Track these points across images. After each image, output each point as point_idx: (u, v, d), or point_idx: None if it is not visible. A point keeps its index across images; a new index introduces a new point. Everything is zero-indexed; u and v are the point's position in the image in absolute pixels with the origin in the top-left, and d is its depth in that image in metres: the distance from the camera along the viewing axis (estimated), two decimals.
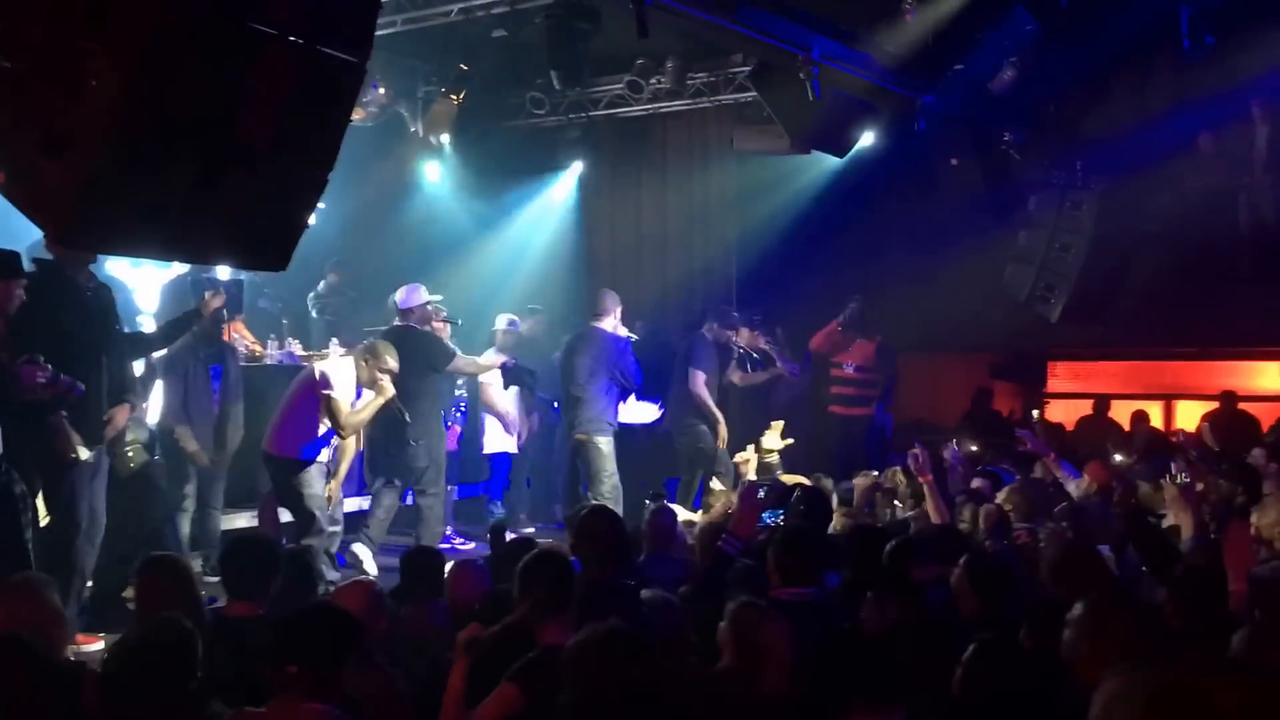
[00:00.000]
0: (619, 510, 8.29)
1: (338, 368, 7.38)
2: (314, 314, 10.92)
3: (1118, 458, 8.58)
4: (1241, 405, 10.28)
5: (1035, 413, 10.89)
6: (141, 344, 7.23)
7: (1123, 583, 5.05)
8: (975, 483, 7.45)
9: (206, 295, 7.52)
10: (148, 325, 8.66)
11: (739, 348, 10.07)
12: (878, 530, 5.83)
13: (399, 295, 8.62)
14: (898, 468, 7.69)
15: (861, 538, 5.34)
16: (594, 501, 8.04)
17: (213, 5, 3.43)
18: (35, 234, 5.74)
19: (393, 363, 7.32)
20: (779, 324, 11.25)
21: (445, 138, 11.53)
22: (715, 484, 8.19)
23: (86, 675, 3.63)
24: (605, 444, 8.34)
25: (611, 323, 8.51)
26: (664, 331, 11.50)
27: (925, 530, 6.14)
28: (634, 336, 8.90)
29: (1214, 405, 10.39)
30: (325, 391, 7.20)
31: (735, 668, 3.69)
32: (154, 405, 7.86)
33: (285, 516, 8.39)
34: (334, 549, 7.60)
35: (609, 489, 8.31)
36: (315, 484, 7.31)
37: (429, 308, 8.67)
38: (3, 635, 3.51)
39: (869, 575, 4.80)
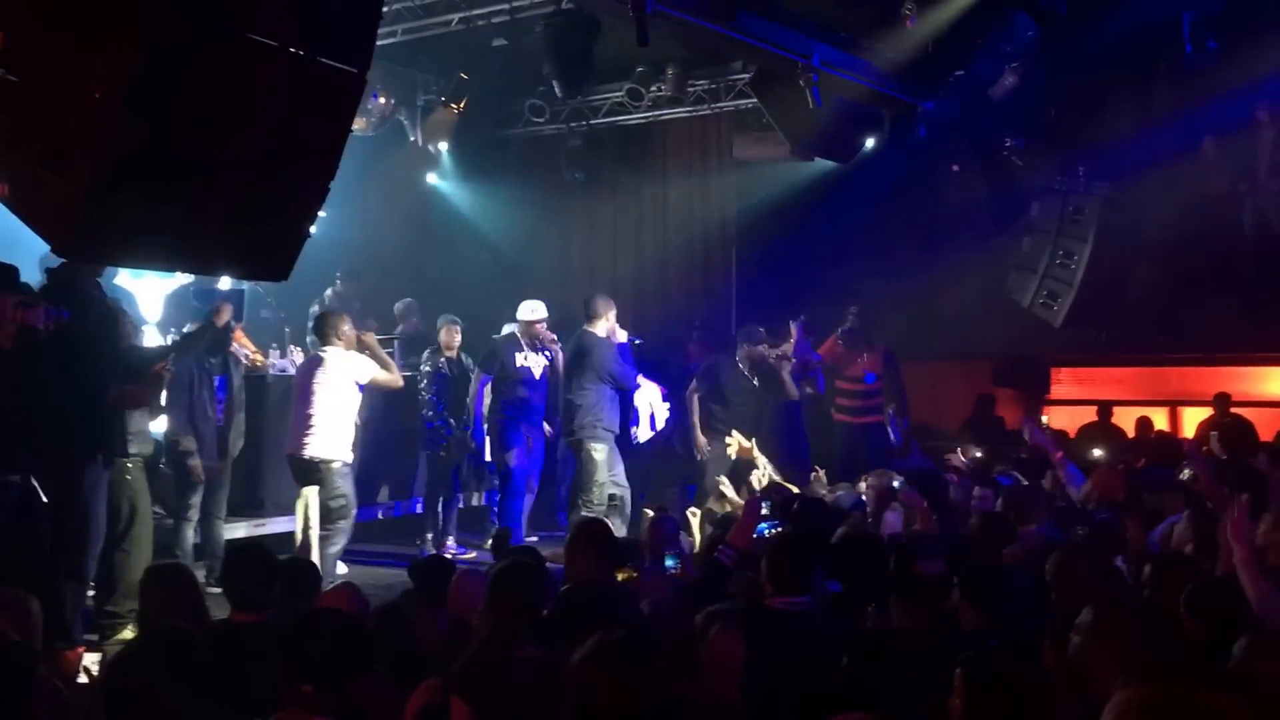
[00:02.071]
0: (621, 518, 8.31)
1: (348, 357, 7.66)
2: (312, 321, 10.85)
3: (1096, 452, 8.52)
4: (1247, 411, 10.23)
5: (1045, 419, 10.82)
6: (147, 359, 7.24)
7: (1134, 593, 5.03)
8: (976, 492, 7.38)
9: (219, 306, 7.67)
10: (151, 335, 8.68)
11: (783, 358, 9.85)
12: (873, 538, 5.78)
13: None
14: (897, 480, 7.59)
15: (857, 546, 5.30)
16: (584, 509, 8.01)
17: (213, 18, 3.43)
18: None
19: (346, 326, 7.78)
20: (781, 330, 11.27)
21: (444, 146, 11.54)
22: (727, 489, 8.08)
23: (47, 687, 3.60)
24: (599, 450, 8.23)
25: (604, 326, 8.43)
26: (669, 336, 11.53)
27: (926, 533, 6.09)
28: (634, 340, 8.82)
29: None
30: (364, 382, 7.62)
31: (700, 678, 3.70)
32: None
33: (285, 524, 8.48)
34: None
35: (600, 496, 8.20)
36: (344, 483, 7.57)
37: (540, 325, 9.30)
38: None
39: (865, 584, 4.76)
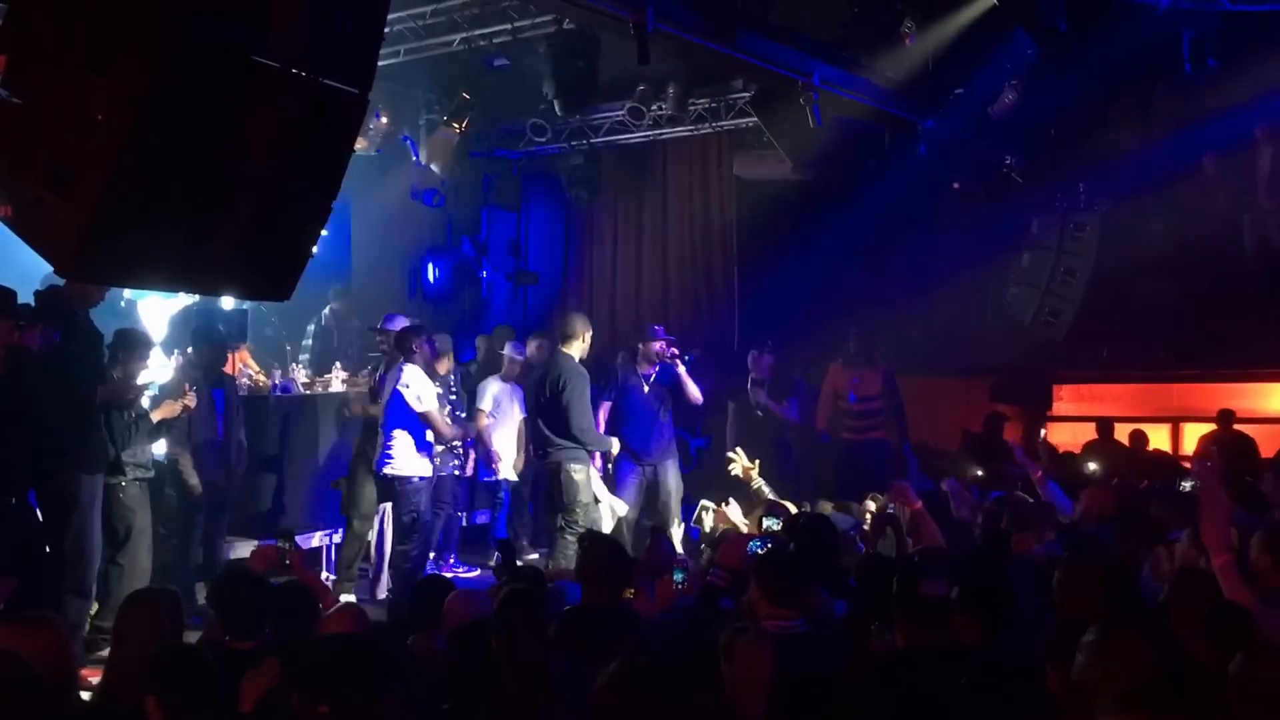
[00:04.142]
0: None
1: (419, 380, 7.82)
2: (308, 340, 10.89)
3: (1091, 466, 8.47)
4: (1248, 428, 10.21)
5: (1043, 433, 10.80)
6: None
7: (1144, 603, 5.02)
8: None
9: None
10: (155, 356, 8.71)
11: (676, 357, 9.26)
12: (882, 559, 5.76)
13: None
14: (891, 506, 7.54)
15: (867, 568, 5.29)
16: (569, 529, 7.98)
17: (216, 39, 3.45)
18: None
19: (425, 345, 7.98)
20: (782, 349, 11.31)
21: (446, 165, 11.57)
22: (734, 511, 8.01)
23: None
24: (579, 470, 8.17)
25: (579, 348, 8.32)
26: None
27: (930, 549, 6.06)
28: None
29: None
30: (421, 408, 7.75)
31: (726, 694, 3.70)
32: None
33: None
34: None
35: (585, 516, 8.12)
36: (426, 501, 7.90)
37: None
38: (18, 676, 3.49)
39: (875, 605, 4.73)
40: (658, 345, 8.93)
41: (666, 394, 9.05)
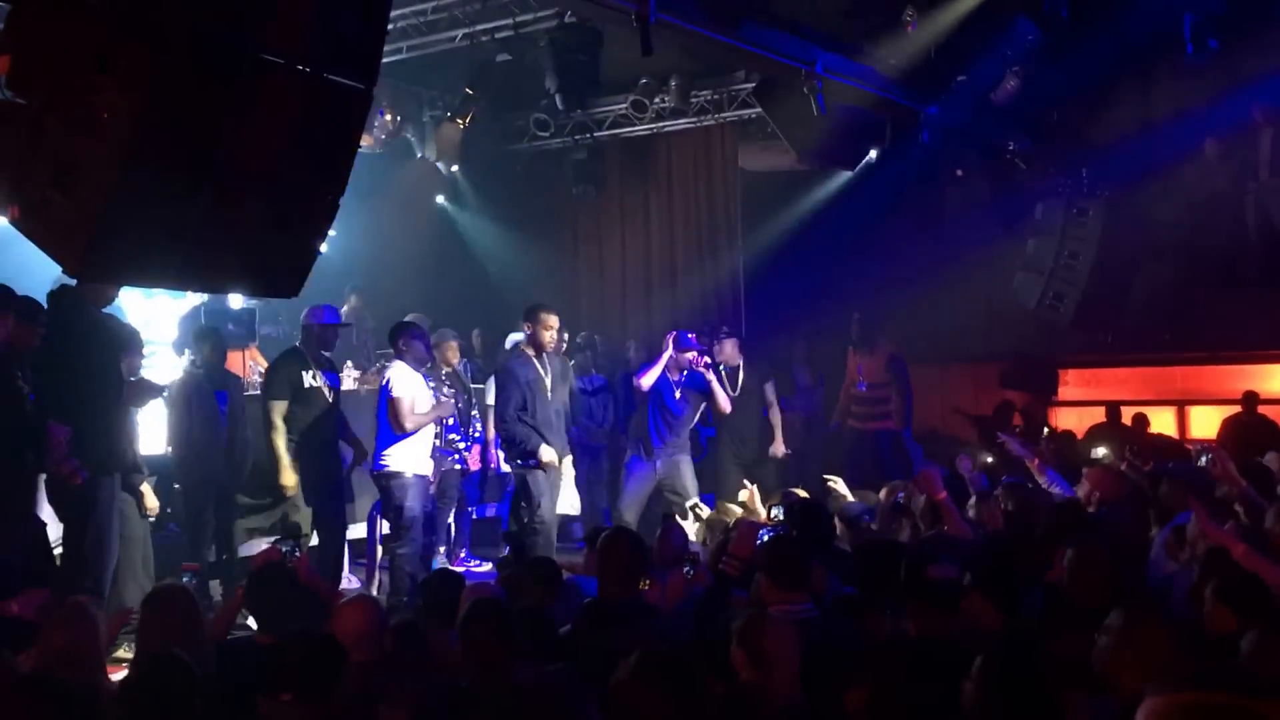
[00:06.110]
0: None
1: (401, 374, 7.72)
2: None
3: (1100, 452, 8.46)
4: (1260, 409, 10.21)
5: (1045, 430, 10.75)
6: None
7: (1152, 586, 5.04)
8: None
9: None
10: (164, 355, 8.75)
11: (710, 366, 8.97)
12: (887, 544, 5.76)
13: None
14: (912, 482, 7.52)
15: (870, 553, 5.30)
16: (534, 526, 7.91)
17: (222, 36, 3.46)
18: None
19: (417, 341, 7.87)
20: (792, 339, 11.35)
21: (451, 162, 11.60)
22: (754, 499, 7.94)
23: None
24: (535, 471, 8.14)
25: (521, 338, 8.16)
26: None
27: (940, 537, 6.06)
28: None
29: (1228, 410, 10.33)
30: (391, 395, 7.64)
31: (748, 681, 3.69)
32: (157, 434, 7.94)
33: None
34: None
35: (543, 510, 8.08)
36: (413, 498, 7.68)
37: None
38: (37, 676, 3.52)
39: (879, 591, 4.74)
40: (690, 355, 8.67)
41: (697, 399, 8.84)
